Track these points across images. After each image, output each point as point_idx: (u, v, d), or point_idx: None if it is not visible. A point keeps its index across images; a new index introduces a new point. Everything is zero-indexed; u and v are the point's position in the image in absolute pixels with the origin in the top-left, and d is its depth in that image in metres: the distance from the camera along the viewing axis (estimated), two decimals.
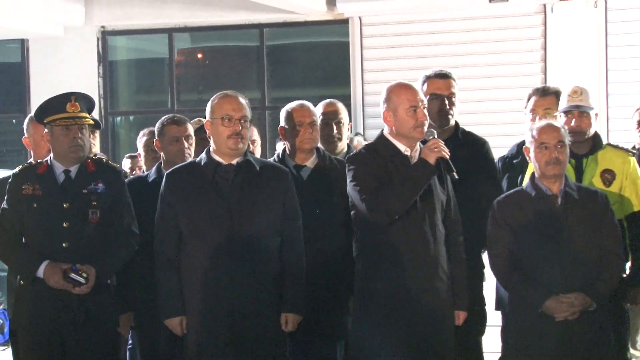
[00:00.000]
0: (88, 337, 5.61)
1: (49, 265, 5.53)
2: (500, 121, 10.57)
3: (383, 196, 5.40)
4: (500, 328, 6.08)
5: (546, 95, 6.34)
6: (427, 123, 5.55)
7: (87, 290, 5.51)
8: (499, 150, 6.38)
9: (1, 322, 7.60)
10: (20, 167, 5.89)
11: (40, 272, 5.53)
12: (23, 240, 5.71)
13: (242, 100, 5.64)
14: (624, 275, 5.76)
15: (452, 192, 5.62)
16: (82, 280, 5.48)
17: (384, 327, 5.47)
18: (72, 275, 5.48)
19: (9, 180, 5.81)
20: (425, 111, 5.58)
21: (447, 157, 5.45)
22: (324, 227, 5.90)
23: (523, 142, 6.14)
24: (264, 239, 5.56)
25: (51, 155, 5.76)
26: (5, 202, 5.74)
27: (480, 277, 6.19)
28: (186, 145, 6.31)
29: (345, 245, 5.78)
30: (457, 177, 5.50)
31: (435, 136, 5.55)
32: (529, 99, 6.48)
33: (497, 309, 6.17)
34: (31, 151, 6.43)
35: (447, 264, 5.55)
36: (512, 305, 5.62)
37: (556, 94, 6.30)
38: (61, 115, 5.65)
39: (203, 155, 5.69)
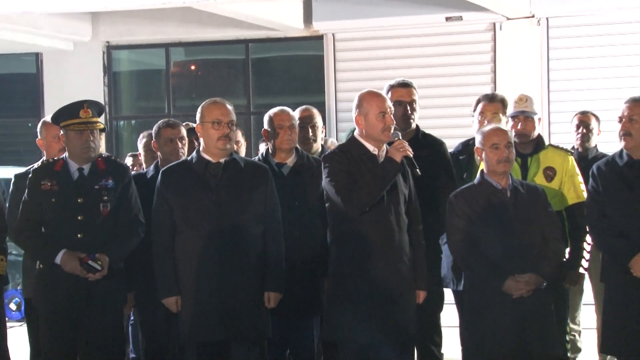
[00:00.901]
0: (98, 314, 5.61)
1: (66, 254, 5.52)
2: (455, 125, 10.55)
3: (356, 191, 5.42)
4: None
5: (493, 101, 6.35)
6: (393, 127, 5.58)
7: (100, 276, 5.52)
8: (453, 150, 6.39)
9: (18, 300, 7.57)
10: (39, 164, 5.89)
11: (58, 259, 5.53)
12: (42, 229, 5.69)
13: (229, 107, 5.65)
14: (564, 260, 5.78)
15: (413, 187, 5.64)
16: (98, 267, 5.49)
17: (354, 304, 5.47)
18: (90, 262, 5.49)
19: (29, 175, 5.80)
20: (392, 116, 5.61)
21: (411, 156, 5.49)
22: (302, 217, 5.92)
23: (468, 141, 6.18)
24: (248, 227, 5.56)
25: (66, 154, 5.75)
26: (26, 195, 5.73)
27: (438, 261, 6.21)
28: (180, 145, 6.30)
29: (321, 233, 5.79)
30: (419, 173, 5.52)
31: (400, 138, 5.58)
32: (477, 104, 6.48)
33: (447, 286, 6.17)
34: (44, 151, 6.41)
35: (409, 249, 5.57)
36: (468, 283, 5.63)
37: (502, 100, 6.34)
38: (75, 120, 5.65)
39: (194, 154, 5.70)
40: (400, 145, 5.48)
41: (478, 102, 6.49)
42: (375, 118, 5.51)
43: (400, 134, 5.65)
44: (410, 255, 5.57)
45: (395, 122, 5.69)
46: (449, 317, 6.15)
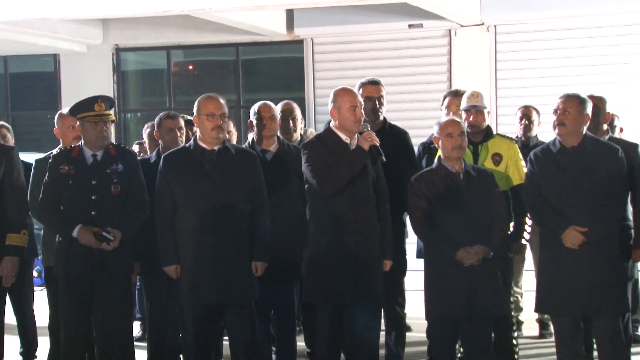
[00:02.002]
0: (109, 281, 5.61)
1: (82, 228, 5.51)
2: (417, 117, 10.57)
3: (329, 174, 5.45)
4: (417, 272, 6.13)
5: (458, 96, 6.34)
6: (363, 119, 5.59)
7: (112, 247, 5.51)
8: (415, 138, 6.40)
9: (39, 268, 7.53)
10: (58, 150, 5.86)
11: (75, 233, 5.52)
12: (61, 208, 5.68)
13: (222, 101, 5.65)
14: (509, 233, 5.80)
15: (381, 171, 5.65)
16: (110, 237, 5.49)
17: (329, 271, 5.51)
18: (104, 233, 5.48)
19: (49, 160, 5.78)
20: (362, 110, 5.63)
21: (378, 144, 5.50)
22: (284, 196, 5.91)
23: None
24: (238, 206, 5.56)
25: (81, 142, 5.72)
26: (46, 177, 5.71)
27: (402, 234, 6.23)
28: (178, 134, 6.28)
29: (300, 210, 5.79)
30: (384, 160, 5.54)
31: (369, 129, 5.59)
32: (444, 99, 6.50)
33: (418, 257, 6.19)
34: (60, 139, 6.39)
35: (377, 224, 5.59)
36: (427, 254, 5.64)
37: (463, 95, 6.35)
38: (90, 113, 5.62)
39: (191, 142, 5.69)
40: (368, 135, 5.50)
41: (445, 97, 6.51)
42: (347, 111, 5.53)
43: (369, 125, 5.67)
44: (378, 229, 5.59)
45: (365, 115, 5.70)
46: (411, 282, 6.16)
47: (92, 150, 5.68)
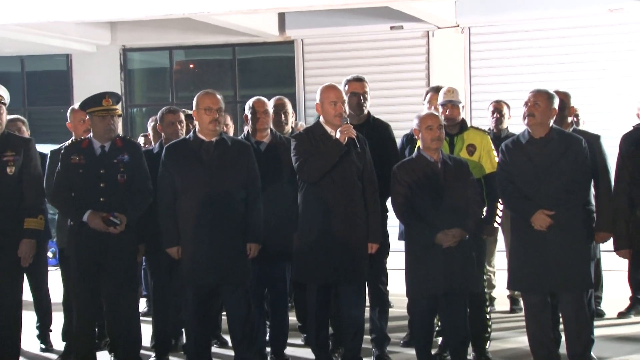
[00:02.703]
0: (116, 261, 5.59)
1: (92, 213, 5.49)
2: (398, 111, 10.49)
3: (308, 164, 5.44)
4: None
5: (438, 92, 6.29)
6: (343, 113, 5.54)
7: (119, 230, 5.49)
8: (397, 131, 6.33)
9: (54, 250, 7.48)
10: (69, 142, 5.84)
11: (85, 217, 5.49)
12: (72, 194, 5.65)
13: (219, 96, 5.61)
14: (482, 217, 5.78)
15: (370, 161, 5.60)
16: (117, 221, 5.47)
17: (317, 254, 5.48)
18: (112, 218, 5.47)
19: (61, 151, 5.77)
20: (345, 105, 5.58)
21: (354, 137, 5.45)
22: (276, 183, 5.87)
23: None
24: (234, 193, 5.52)
25: (91, 134, 5.70)
26: (59, 167, 5.69)
27: (385, 219, 6.19)
28: (179, 127, 6.25)
29: (291, 196, 5.74)
30: (359, 151, 5.50)
31: (348, 122, 5.54)
32: (427, 94, 6.45)
33: (399, 239, 6.15)
34: (72, 131, 6.35)
35: (363, 209, 5.54)
36: (408, 237, 5.61)
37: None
38: (99, 108, 5.60)
39: (191, 134, 5.66)
40: (345, 129, 5.45)
41: (427, 93, 6.47)
42: (328, 105, 5.53)
43: (349, 119, 5.60)
44: (364, 215, 5.54)
45: (350, 109, 5.65)
46: (393, 262, 6.14)
47: (100, 142, 5.65)
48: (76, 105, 6.20)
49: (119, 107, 5.73)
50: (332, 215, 5.46)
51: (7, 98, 5.74)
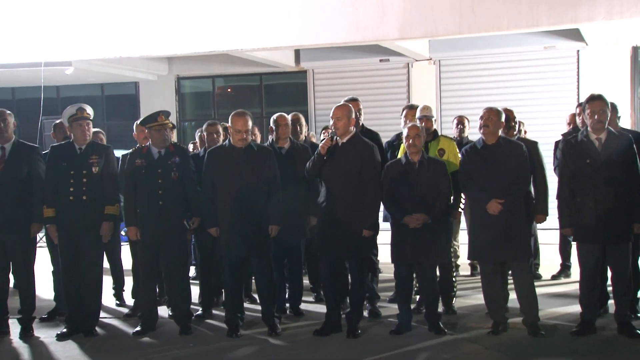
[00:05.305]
0: (172, 239, 5.57)
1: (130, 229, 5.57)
2: (385, 124, 10.49)
3: (306, 168, 5.46)
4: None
5: (412, 109, 6.24)
6: (330, 127, 5.43)
7: (193, 228, 5.60)
8: (384, 138, 6.28)
9: (125, 229, 7.41)
10: (133, 149, 5.81)
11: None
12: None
13: (247, 117, 5.49)
14: (450, 203, 5.72)
15: (370, 163, 5.27)
16: (187, 226, 5.57)
17: (326, 233, 5.39)
18: (185, 222, 5.55)
19: (127, 157, 5.76)
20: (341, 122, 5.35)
21: (327, 147, 5.27)
22: (293, 180, 5.83)
23: (398, 134, 6.08)
24: (259, 186, 5.48)
25: (149, 142, 5.68)
26: (126, 168, 5.69)
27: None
28: (216, 137, 6.25)
29: (304, 189, 5.73)
30: (325, 159, 5.31)
31: (331, 136, 5.36)
32: (403, 111, 6.38)
33: (384, 220, 6.10)
34: (137, 140, 6.34)
35: (361, 201, 5.31)
36: (390, 219, 5.57)
37: (417, 108, 6.25)
38: (155, 123, 5.58)
39: (227, 142, 5.62)
40: (325, 142, 5.33)
41: (403, 109, 6.41)
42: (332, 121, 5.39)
43: (335, 133, 5.37)
44: (362, 204, 5.33)
45: (333, 128, 5.39)
46: (381, 238, 6.09)
47: (157, 148, 5.63)
48: (138, 122, 6.18)
49: (169, 121, 5.67)
50: (338, 204, 5.32)
51: (92, 115, 5.74)
